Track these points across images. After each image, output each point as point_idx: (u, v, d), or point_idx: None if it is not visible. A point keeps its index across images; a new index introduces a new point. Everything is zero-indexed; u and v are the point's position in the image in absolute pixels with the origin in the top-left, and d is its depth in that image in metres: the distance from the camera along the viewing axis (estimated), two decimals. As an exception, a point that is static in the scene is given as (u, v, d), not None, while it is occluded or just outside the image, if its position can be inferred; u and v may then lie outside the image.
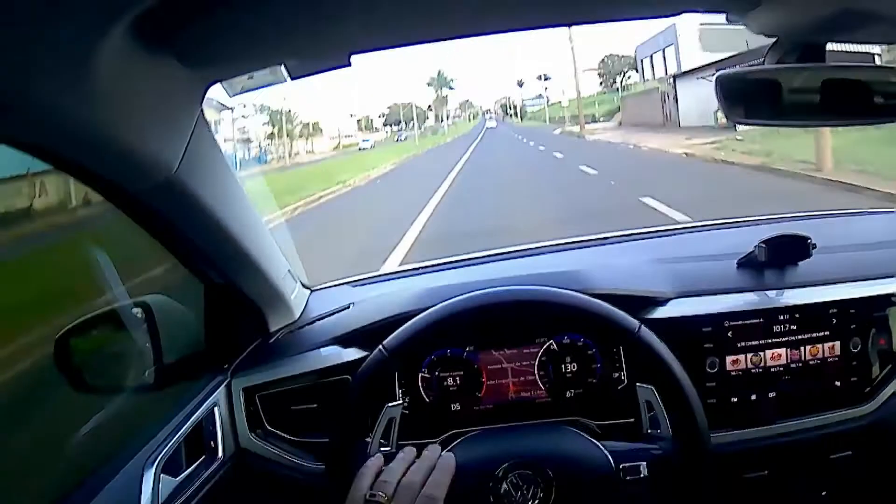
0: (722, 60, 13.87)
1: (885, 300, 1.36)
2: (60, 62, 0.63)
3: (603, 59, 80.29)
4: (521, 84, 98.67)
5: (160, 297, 1.24)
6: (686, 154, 15.75)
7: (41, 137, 0.76)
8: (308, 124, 70.82)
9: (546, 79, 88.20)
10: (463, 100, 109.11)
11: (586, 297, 1.22)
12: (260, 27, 0.79)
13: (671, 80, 28.50)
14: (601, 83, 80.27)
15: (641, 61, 41.33)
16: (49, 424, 1.39)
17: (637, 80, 50.83)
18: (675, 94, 26.41)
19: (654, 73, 38.01)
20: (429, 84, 74.31)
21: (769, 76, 0.94)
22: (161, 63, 0.78)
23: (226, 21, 0.74)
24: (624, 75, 76.23)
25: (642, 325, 1.18)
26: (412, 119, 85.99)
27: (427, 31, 0.95)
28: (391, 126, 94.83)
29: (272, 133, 59.45)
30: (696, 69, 22.28)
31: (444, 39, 1.00)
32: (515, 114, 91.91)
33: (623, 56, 75.50)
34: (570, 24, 1.00)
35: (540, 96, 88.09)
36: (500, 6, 0.86)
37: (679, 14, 0.95)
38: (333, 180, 19.77)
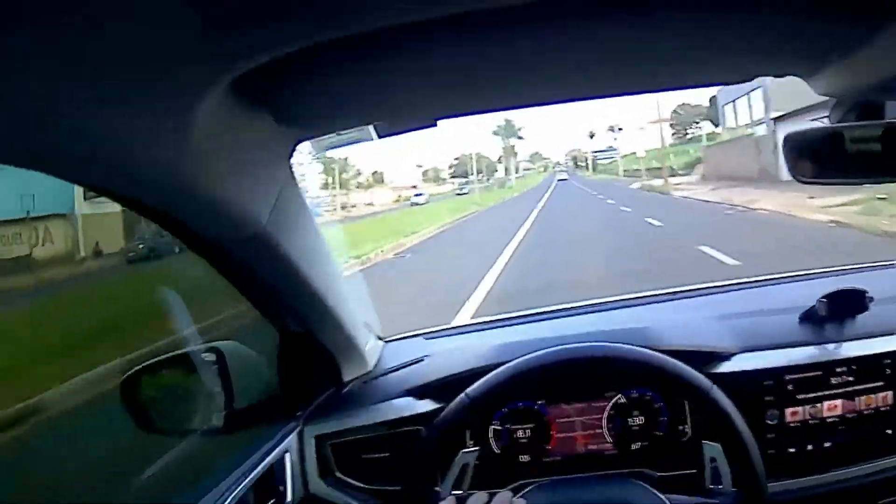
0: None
1: None
2: (161, 119, 0.66)
3: (675, 110, 76.65)
4: (592, 136, 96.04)
5: (232, 342, 1.29)
6: (835, 222, 10.73)
7: (137, 190, 0.79)
8: (369, 174, 67.62)
9: (618, 130, 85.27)
10: (533, 151, 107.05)
11: (659, 354, 1.28)
12: (352, 90, 0.83)
13: (770, 124, 24.26)
14: (673, 134, 76.67)
15: (723, 107, 37.07)
16: (123, 461, 1.45)
17: (713, 129, 46.93)
18: (775, 142, 22.35)
19: (736, 120, 33.94)
20: (495, 133, 69.70)
21: (833, 132, 0.97)
22: (256, 120, 0.82)
23: (320, 83, 0.78)
24: (696, 125, 72.81)
25: (714, 385, 1.24)
26: (481, 171, 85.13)
27: (510, 99, 1.01)
28: (459, 178, 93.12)
29: (326, 183, 56.86)
30: (807, 108, 18.18)
31: (527, 106, 1.05)
32: (587, 166, 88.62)
33: (695, 105, 73.51)
34: (644, 92, 1.03)
35: (611, 148, 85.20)
36: (580, 76, 0.91)
37: (749, 80, 0.96)
38: (357, 248, 13.72)
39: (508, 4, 0.64)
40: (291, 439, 1.33)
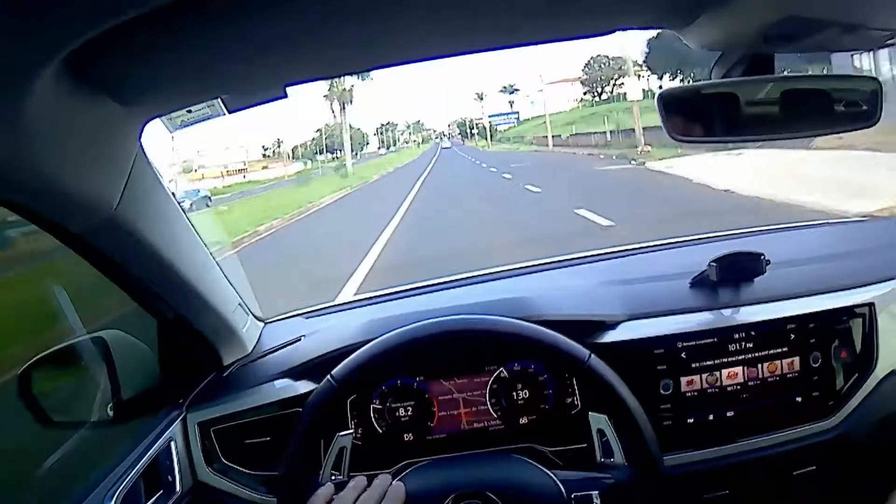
0: None
1: (846, 312, 1.41)
2: None
3: (588, 64, 58.96)
4: (481, 97, 76.15)
5: (116, 332, 1.33)
6: None
7: None
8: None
9: (513, 91, 72.80)
10: (414, 121, 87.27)
11: (534, 326, 1.26)
12: (194, 63, 0.84)
13: None
14: (586, 93, 59.58)
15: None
16: (12, 458, 1.45)
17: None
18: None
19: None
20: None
21: (723, 90, 0.94)
22: (95, 101, 0.83)
23: (159, 57, 0.79)
24: (614, 83, 61.65)
25: (592, 355, 1.25)
26: (345, 146, 64.90)
27: (364, 59, 0.99)
28: (324, 154, 71.91)
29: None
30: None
31: (380, 67, 1.05)
32: (482, 134, 68.20)
33: (615, 58, 62.14)
34: (504, 48, 1.02)
35: (508, 112, 67.24)
36: (431, 33, 0.91)
37: (611, 33, 0.99)
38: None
39: None
40: (176, 427, 1.38)
